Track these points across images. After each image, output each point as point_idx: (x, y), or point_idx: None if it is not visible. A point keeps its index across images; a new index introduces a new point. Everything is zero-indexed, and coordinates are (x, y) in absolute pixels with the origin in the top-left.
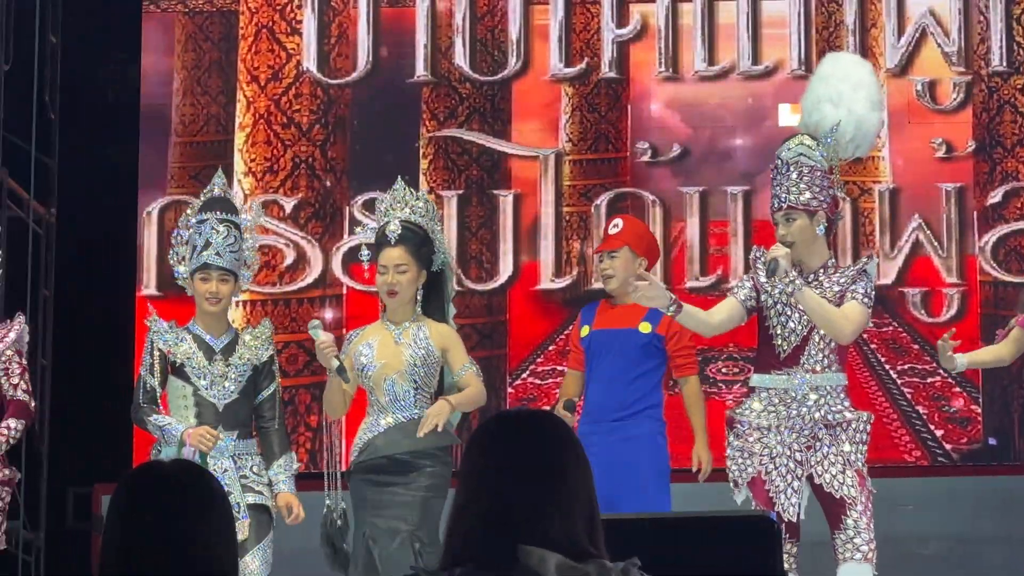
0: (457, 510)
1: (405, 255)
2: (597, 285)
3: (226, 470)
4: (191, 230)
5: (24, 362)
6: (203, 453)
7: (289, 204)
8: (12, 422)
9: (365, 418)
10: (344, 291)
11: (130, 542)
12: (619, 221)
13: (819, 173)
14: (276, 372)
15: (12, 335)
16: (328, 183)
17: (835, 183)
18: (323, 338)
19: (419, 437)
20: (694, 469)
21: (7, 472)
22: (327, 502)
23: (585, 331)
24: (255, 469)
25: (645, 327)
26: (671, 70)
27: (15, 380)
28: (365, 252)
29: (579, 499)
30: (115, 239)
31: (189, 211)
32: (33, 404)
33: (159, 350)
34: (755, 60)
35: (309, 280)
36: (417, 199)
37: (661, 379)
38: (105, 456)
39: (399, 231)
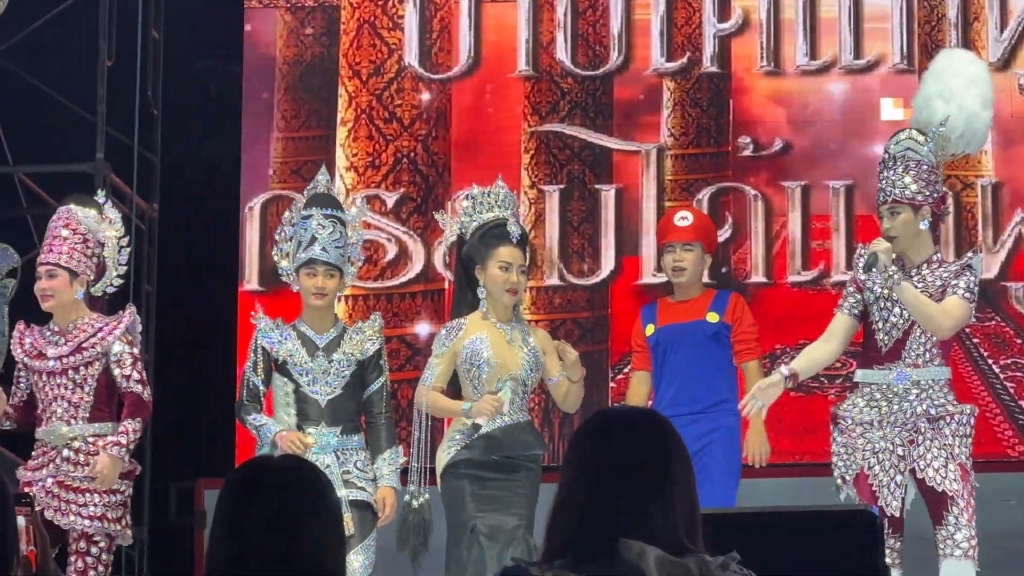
0: (558, 505)
1: (524, 257)
2: (650, 280)
3: (328, 466)
4: (295, 226)
5: (136, 351)
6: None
7: (391, 199)
8: (130, 424)
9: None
10: (446, 285)
11: (239, 538)
12: (688, 214)
13: (926, 168)
14: (384, 366)
15: (123, 325)
16: (430, 178)
17: (941, 179)
18: (506, 406)
19: (526, 439)
20: (750, 461)
21: (129, 465)
22: (412, 499)
23: (650, 330)
24: (359, 465)
25: (712, 317)
26: (773, 64)
27: (127, 370)
28: (449, 245)
29: (680, 496)
30: (217, 234)
31: (293, 207)
32: (147, 394)
33: (262, 348)
34: (857, 54)
35: (411, 275)
36: (515, 201)
37: (735, 371)
38: (207, 451)
39: (520, 231)
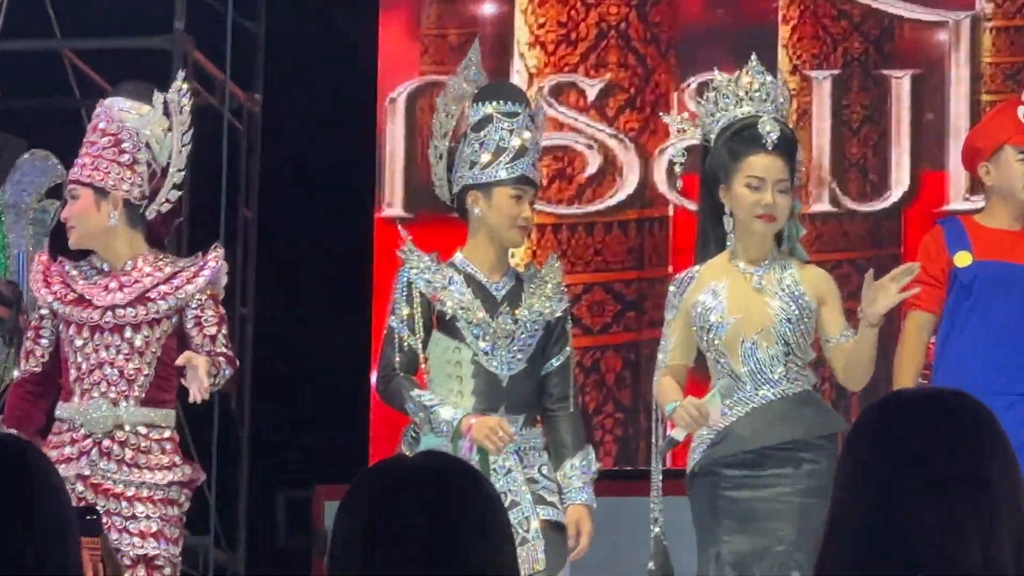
0: (830, 531)
1: (786, 169)
2: (960, 205)
3: (510, 471)
4: (470, 127)
5: (222, 311)
6: (485, 453)
7: (593, 89)
8: (224, 363)
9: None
10: (671, 212)
11: (374, 567)
12: None
13: None
14: (569, 334)
15: (205, 275)
16: (648, 59)
17: None
18: (715, 417)
19: (799, 422)
20: None
21: (187, 470)
22: (655, 524)
23: (965, 259)
24: (545, 471)
25: None
26: None
27: (211, 331)
28: (679, 156)
29: (1004, 514)
30: (345, 138)
31: (447, 92)
32: (236, 361)
33: (420, 294)
34: None
35: (621, 196)
36: (779, 88)
37: None
38: (330, 448)
39: (779, 132)
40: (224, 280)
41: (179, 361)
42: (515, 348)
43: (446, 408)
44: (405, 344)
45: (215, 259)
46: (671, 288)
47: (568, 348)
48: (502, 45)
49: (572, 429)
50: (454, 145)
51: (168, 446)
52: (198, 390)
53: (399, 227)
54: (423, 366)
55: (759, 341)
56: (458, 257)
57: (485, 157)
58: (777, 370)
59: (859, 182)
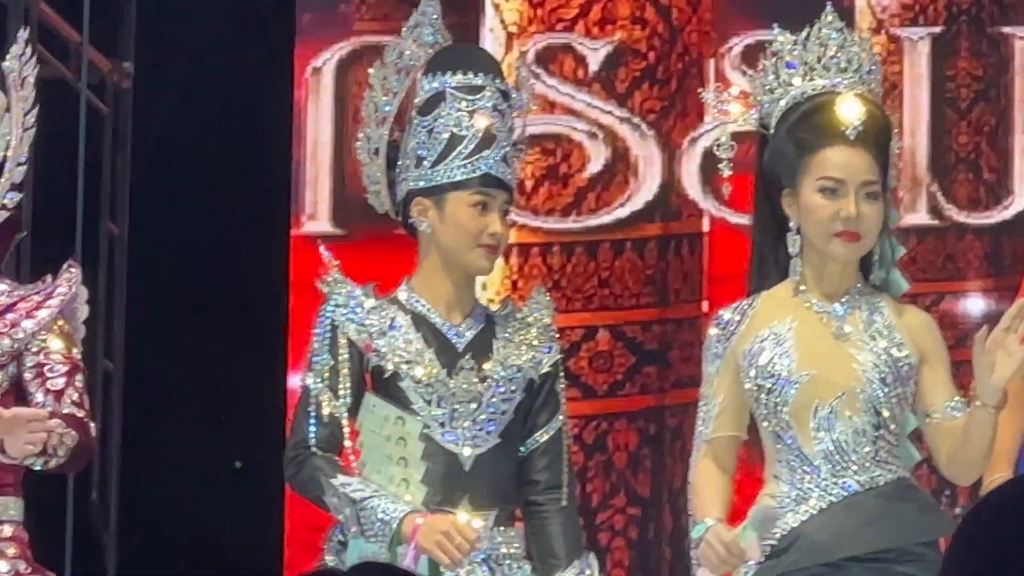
0: None
1: (875, 166)
2: None
3: None
4: (418, 114)
5: (76, 355)
6: (436, 567)
7: (597, 54)
8: (59, 425)
9: (767, 488)
10: (706, 227)
11: None
12: None
13: None
14: (562, 396)
15: (51, 305)
16: (675, 12)
17: None
18: (751, 554)
19: (894, 524)
20: None
21: (22, 569)
22: None
23: None
24: None
25: None
26: None
27: (58, 383)
28: (726, 147)
29: None
30: (249, 125)
31: (388, 60)
32: (93, 426)
33: (349, 342)
34: None
35: (636, 204)
36: (866, 50)
37: None
38: (230, 557)
39: (863, 114)
40: (84, 312)
41: None
42: (482, 417)
43: (383, 502)
44: (324, 411)
45: (68, 282)
46: (713, 330)
47: (560, 417)
48: None
49: (565, 530)
50: (397, 135)
51: (11, 549)
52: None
53: (322, 248)
54: (349, 443)
55: (840, 409)
56: (403, 291)
57: (435, 150)
58: (864, 450)
59: (970, 184)
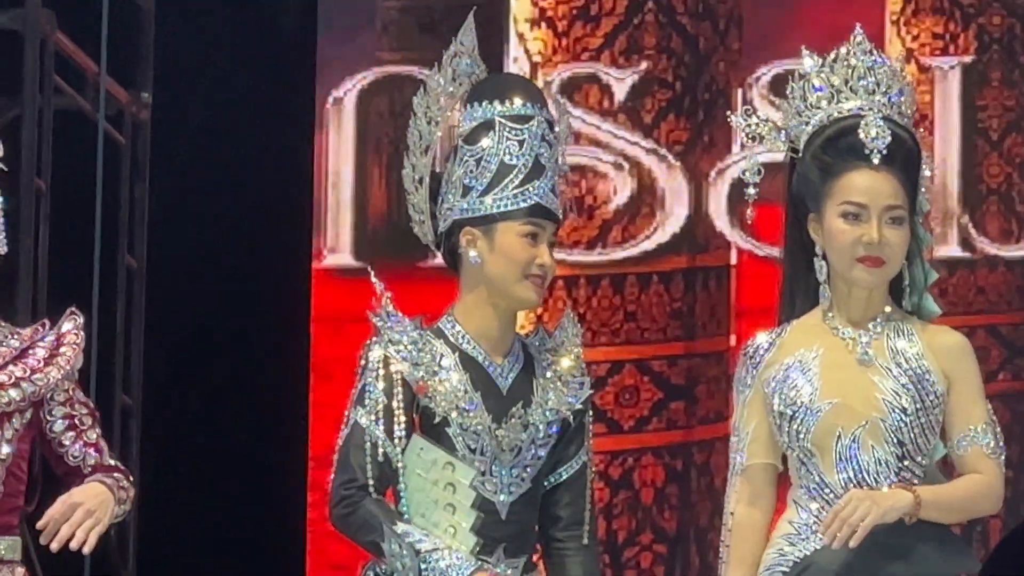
0: None
1: (900, 191)
2: None
3: None
4: (462, 138)
5: (91, 404)
6: None
7: (622, 84)
8: (119, 481)
9: (787, 512)
10: (734, 259)
11: None
12: None
13: None
14: (589, 431)
15: (68, 351)
16: (701, 41)
17: None
18: None
19: (914, 559)
20: None
21: None
22: None
23: None
24: None
25: None
26: None
27: (92, 437)
28: (754, 172)
29: None
30: (270, 156)
31: (429, 91)
32: (130, 478)
33: (401, 377)
34: None
35: (662, 236)
36: (895, 73)
37: None
38: None
39: (888, 137)
40: (78, 362)
41: (55, 514)
42: (521, 465)
43: (450, 557)
44: (380, 452)
45: (74, 331)
46: (743, 359)
47: (586, 452)
48: (492, 23)
49: (586, 570)
50: (437, 166)
51: None
52: (85, 532)
53: (373, 278)
54: (402, 486)
55: (862, 438)
56: (447, 322)
57: (484, 180)
58: (888, 481)
59: (1001, 216)
